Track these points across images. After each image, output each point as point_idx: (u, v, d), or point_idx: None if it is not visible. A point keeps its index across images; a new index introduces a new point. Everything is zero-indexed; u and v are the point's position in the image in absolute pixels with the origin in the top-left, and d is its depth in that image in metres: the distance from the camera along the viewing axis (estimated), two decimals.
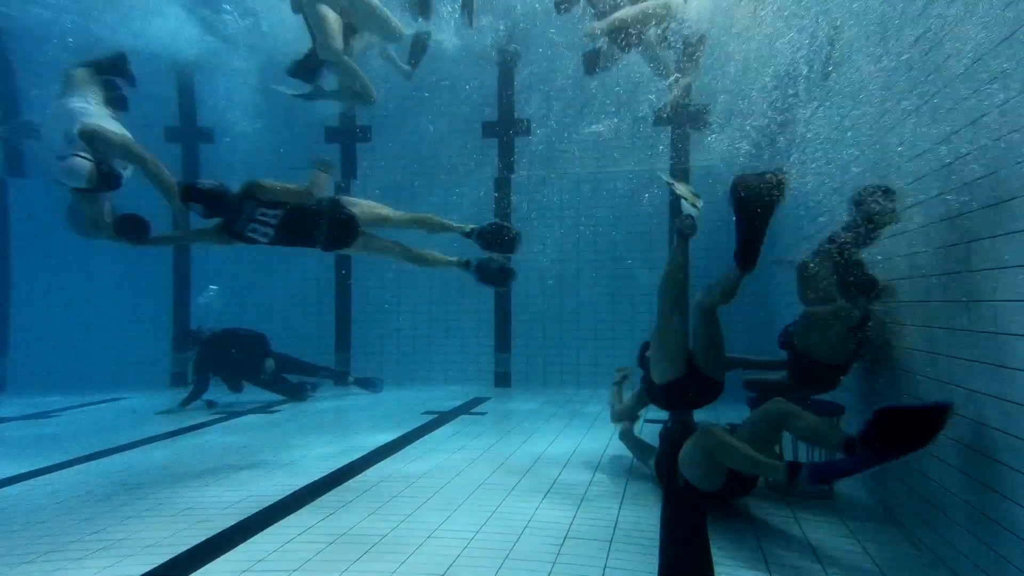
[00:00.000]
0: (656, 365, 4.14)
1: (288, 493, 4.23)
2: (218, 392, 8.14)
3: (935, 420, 2.81)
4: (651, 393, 4.40)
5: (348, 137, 10.28)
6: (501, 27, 9.18)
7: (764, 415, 3.65)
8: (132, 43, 9.16)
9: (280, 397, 8.37)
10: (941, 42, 2.99)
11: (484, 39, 9.22)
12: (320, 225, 5.06)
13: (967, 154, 2.72)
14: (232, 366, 8.06)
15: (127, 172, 4.96)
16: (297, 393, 8.35)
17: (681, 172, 9.02)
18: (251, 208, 4.91)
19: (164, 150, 10.23)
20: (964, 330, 2.75)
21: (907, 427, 2.92)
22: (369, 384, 8.71)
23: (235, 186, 5.05)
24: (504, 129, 9.81)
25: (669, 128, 9.08)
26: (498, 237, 5.43)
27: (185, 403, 7.76)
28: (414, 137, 9.72)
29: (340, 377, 9.00)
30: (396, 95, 9.80)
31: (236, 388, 8.19)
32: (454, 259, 5.56)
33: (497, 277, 5.50)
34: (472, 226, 5.49)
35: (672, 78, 6.75)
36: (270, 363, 8.18)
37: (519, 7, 8.79)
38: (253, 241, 5.03)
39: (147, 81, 9.57)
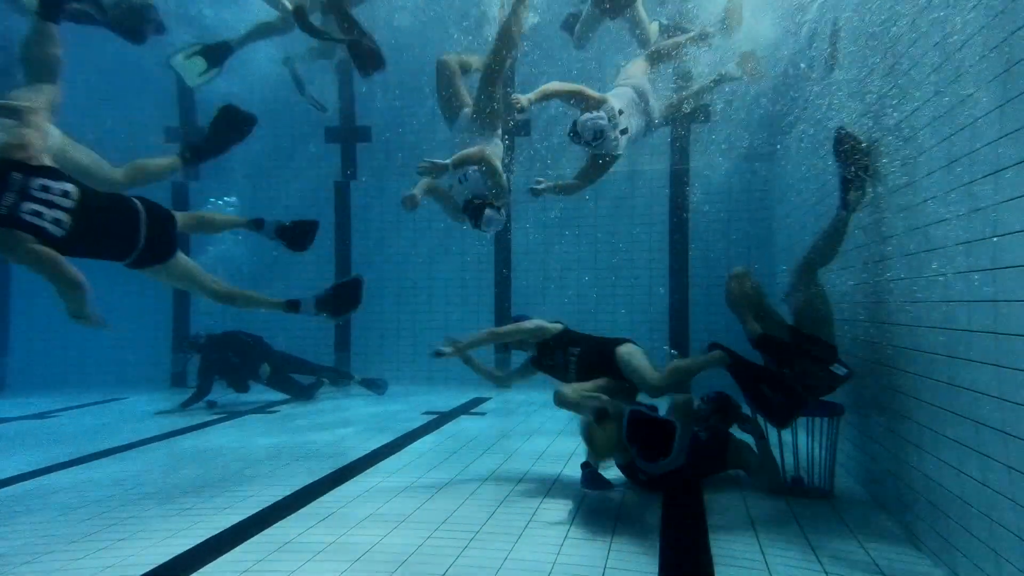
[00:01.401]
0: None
1: (288, 493, 4.23)
2: (219, 392, 8.14)
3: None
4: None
5: (348, 137, 10.28)
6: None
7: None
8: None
9: (283, 397, 8.38)
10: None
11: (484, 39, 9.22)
12: (134, 217, 3.78)
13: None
14: (231, 370, 8.07)
15: None
16: (303, 393, 8.36)
17: (681, 173, 9.02)
18: (22, 180, 3.35)
19: (164, 150, 10.26)
20: (963, 330, 2.76)
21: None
22: (374, 385, 8.71)
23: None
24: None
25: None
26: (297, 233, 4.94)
27: (186, 405, 7.77)
28: (414, 137, 9.71)
29: (345, 377, 8.99)
30: (396, 95, 9.83)
31: (242, 389, 8.20)
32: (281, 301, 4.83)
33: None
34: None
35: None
36: (265, 368, 8.18)
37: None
38: (38, 231, 3.38)
39: (147, 81, 9.66)
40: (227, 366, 8.04)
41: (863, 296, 4.22)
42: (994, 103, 2.50)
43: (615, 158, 5.18)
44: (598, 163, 5.25)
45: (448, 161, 4.85)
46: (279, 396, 8.44)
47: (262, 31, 6.57)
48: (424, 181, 5.11)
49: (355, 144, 10.27)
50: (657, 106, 5.38)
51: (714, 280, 8.68)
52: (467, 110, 5.32)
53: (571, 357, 4.66)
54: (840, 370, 3.86)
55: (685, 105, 5.83)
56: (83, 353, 10.15)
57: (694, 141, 9.09)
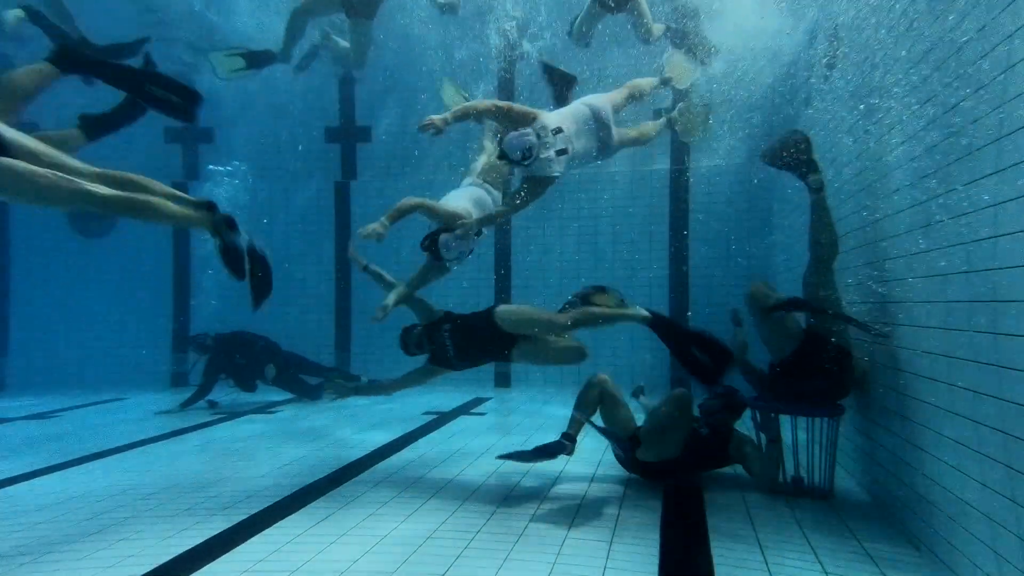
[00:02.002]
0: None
1: (287, 494, 4.23)
2: (220, 392, 8.14)
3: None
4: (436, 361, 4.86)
5: (348, 137, 10.28)
6: (502, 29, 9.18)
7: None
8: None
9: (286, 397, 8.39)
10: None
11: (484, 40, 9.23)
12: None
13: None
14: (238, 371, 8.08)
15: None
16: (308, 393, 8.36)
17: (680, 173, 9.03)
18: None
19: (164, 150, 10.28)
20: (964, 330, 2.76)
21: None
22: None
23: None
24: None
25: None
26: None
27: (186, 404, 7.77)
28: (414, 137, 9.70)
29: (352, 379, 8.98)
30: (396, 95, 9.82)
31: (250, 389, 8.21)
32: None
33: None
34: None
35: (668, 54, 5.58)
36: (271, 370, 8.18)
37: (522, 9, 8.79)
38: None
39: None
40: (234, 366, 8.06)
41: (862, 296, 4.22)
42: (994, 103, 2.50)
43: (550, 180, 4.66)
44: (532, 185, 4.69)
45: (383, 220, 4.67)
46: (281, 396, 8.44)
47: (293, 35, 6.56)
48: (394, 294, 4.95)
49: (355, 144, 10.28)
50: (615, 136, 4.98)
51: (714, 280, 8.69)
52: (468, 179, 5.34)
53: (444, 334, 4.72)
54: (883, 330, 3.83)
55: (640, 141, 5.52)
56: (83, 353, 10.15)
57: (694, 140, 9.08)
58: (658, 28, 6.47)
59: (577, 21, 6.64)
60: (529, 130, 4.49)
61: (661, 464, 4.26)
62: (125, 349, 10.19)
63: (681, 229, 9.01)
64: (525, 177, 4.74)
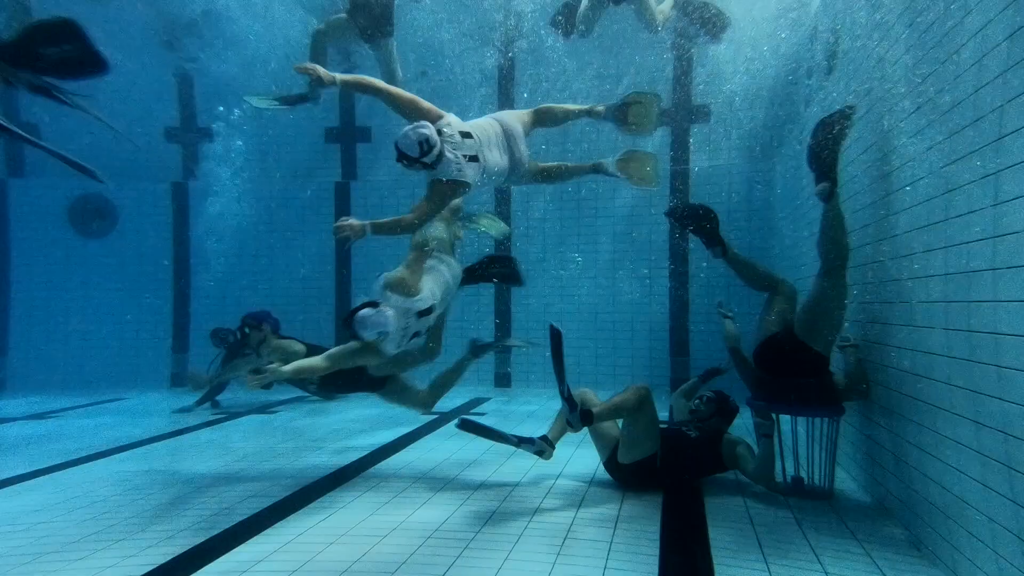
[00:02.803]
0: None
1: (288, 493, 4.24)
2: (228, 390, 8.16)
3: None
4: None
5: (348, 137, 10.29)
6: (500, 29, 9.19)
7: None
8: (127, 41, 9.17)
9: (286, 397, 8.39)
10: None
11: (484, 40, 9.24)
12: None
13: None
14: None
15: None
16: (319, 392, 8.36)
17: (681, 173, 9.03)
18: None
19: (165, 150, 10.28)
20: (964, 330, 2.76)
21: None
22: None
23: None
24: None
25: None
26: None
27: (200, 402, 7.78)
28: None
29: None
30: None
31: (266, 386, 8.21)
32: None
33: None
34: None
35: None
36: None
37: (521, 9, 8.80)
38: None
39: (147, 80, 9.66)
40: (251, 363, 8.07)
41: (863, 296, 4.22)
42: (994, 103, 2.50)
43: (460, 184, 4.20)
44: (438, 189, 4.20)
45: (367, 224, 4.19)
46: (281, 396, 8.43)
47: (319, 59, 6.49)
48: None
49: (355, 144, 10.28)
50: (526, 156, 4.59)
51: (714, 280, 8.68)
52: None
53: None
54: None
55: (553, 175, 5.02)
56: (83, 353, 10.15)
57: (695, 140, 9.09)
58: (665, 7, 6.29)
59: (579, 13, 6.51)
60: (425, 123, 4.07)
61: (646, 462, 4.19)
62: (125, 349, 10.18)
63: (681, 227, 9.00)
64: (431, 180, 4.24)
